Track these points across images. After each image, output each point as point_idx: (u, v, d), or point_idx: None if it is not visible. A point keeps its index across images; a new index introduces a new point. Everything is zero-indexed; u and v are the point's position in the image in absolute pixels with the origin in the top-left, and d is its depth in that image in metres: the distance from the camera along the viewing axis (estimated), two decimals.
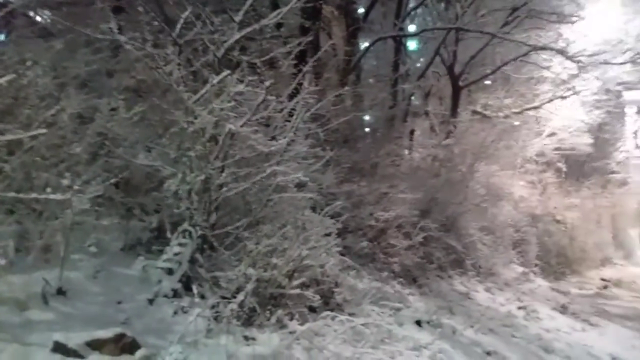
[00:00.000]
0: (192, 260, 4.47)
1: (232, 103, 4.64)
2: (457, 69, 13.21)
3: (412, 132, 12.29)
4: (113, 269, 4.39)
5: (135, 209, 5.14)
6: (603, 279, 14.86)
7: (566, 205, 16.13)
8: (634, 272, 17.88)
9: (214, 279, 4.44)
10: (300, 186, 5.34)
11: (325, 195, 6.40)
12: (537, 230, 13.38)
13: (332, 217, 5.70)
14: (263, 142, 4.99)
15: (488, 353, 5.93)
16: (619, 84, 13.94)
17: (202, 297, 4.25)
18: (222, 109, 4.61)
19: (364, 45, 11.99)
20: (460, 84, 13.42)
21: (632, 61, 12.51)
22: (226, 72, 4.59)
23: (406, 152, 11.32)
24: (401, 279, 7.35)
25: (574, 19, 11.53)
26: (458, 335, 6.10)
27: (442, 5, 11.08)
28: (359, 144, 8.18)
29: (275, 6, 8.10)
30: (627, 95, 17.82)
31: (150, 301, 4.10)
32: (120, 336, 3.36)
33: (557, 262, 14.29)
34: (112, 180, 4.53)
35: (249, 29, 4.98)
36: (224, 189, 4.72)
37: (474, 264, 9.64)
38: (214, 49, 5.00)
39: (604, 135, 19.11)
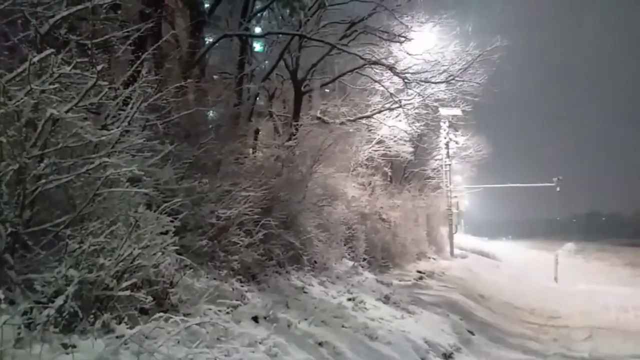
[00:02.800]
0: (0, 262, 3.87)
1: (56, 86, 4.14)
2: (299, 75, 13.76)
3: (257, 131, 12.43)
4: None
5: None
6: (419, 271, 16.85)
7: (390, 206, 17.90)
8: (443, 264, 20.67)
9: (28, 282, 3.91)
10: (134, 181, 5.00)
11: (163, 191, 6.10)
12: (365, 228, 14.58)
13: (169, 214, 5.45)
14: (92, 130, 4.54)
15: (320, 344, 6.25)
16: (436, 100, 15.91)
17: (12, 302, 3.71)
18: (43, 91, 4.09)
19: (210, 40, 11.76)
20: (303, 89, 14.01)
21: (447, 81, 14.42)
22: (49, 50, 4.08)
23: (250, 150, 11.40)
24: (240, 277, 7.36)
25: (402, 39, 12.87)
26: (293, 328, 6.33)
27: (287, 11, 11.41)
28: (202, 139, 7.96)
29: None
30: (442, 111, 20.50)
31: None
32: None
33: (382, 256, 15.77)
34: None
35: (79, 7, 4.49)
36: (42, 180, 4.18)
37: (310, 260, 10.11)
38: (36, 24, 4.40)
39: (422, 145, 21.69)
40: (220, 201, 7.22)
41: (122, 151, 4.84)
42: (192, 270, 6.15)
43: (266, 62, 14.30)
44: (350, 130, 15.50)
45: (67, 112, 4.33)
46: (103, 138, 4.50)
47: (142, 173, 4.81)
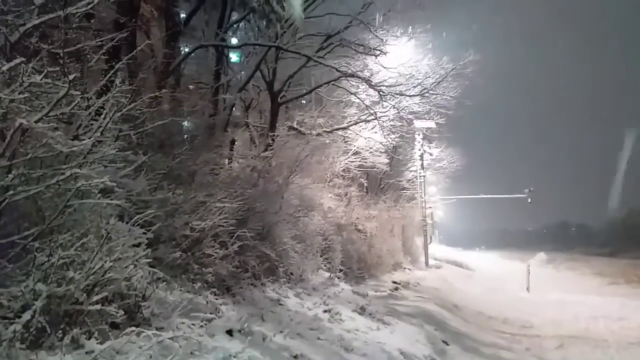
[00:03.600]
0: None
1: (26, 95, 4.05)
2: (276, 86, 13.82)
3: (232, 142, 12.38)
4: None
5: None
6: (394, 282, 16.95)
7: (366, 216, 18.00)
8: (418, 275, 20.85)
9: None
10: (106, 192, 4.90)
11: (136, 202, 6.00)
12: (341, 239, 14.60)
13: (142, 226, 5.37)
14: (63, 141, 4.45)
15: (295, 357, 6.19)
16: (410, 113, 16.15)
17: None
18: (12, 101, 3.99)
19: (185, 50, 11.71)
20: (279, 100, 14.06)
21: (421, 95, 14.66)
22: (19, 59, 3.99)
23: (226, 161, 11.34)
24: (215, 289, 7.26)
25: (378, 52, 13.05)
26: (268, 341, 6.26)
27: (264, 22, 11.46)
28: (177, 150, 7.87)
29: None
30: (417, 124, 20.81)
31: None
32: None
33: (358, 267, 15.80)
34: None
35: (51, 15, 4.42)
36: (10, 192, 4.07)
37: (285, 271, 10.05)
38: (6, 32, 4.31)
39: (397, 157, 21.97)
40: (195, 212, 7.13)
41: (94, 162, 4.75)
42: (165, 283, 6.04)
43: (242, 72, 14.30)
44: (327, 141, 15.59)
45: (37, 121, 4.23)
46: (74, 149, 4.41)
47: (114, 184, 4.73)
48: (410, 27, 14.10)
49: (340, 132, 15.96)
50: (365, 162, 17.68)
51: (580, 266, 39.25)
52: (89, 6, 4.54)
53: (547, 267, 37.22)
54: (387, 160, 19.08)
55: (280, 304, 8.58)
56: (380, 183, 23.44)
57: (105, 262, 4.27)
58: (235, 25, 12.85)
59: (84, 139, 4.81)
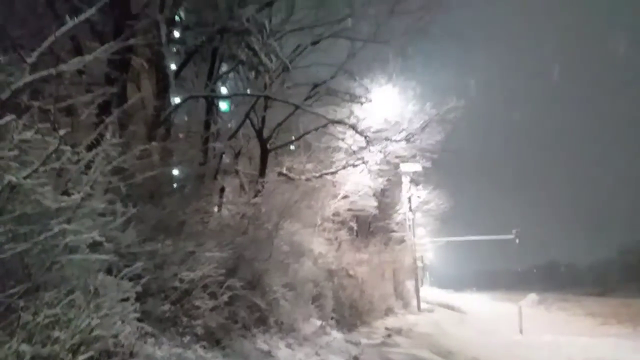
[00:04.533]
0: None
1: (16, 152, 4.07)
2: (265, 133, 14.02)
3: (222, 189, 12.39)
4: None
5: None
6: (387, 328, 16.63)
7: (357, 261, 17.88)
8: (411, 320, 20.53)
9: None
10: (94, 246, 4.85)
11: (125, 255, 5.92)
12: (333, 285, 14.43)
13: (131, 279, 5.28)
14: (52, 196, 4.44)
15: None
16: (397, 157, 16.43)
17: None
18: (1, 158, 4.01)
19: (176, 100, 11.88)
20: (268, 147, 14.23)
21: (406, 140, 14.97)
22: (10, 116, 4.04)
23: (216, 209, 11.31)
24: (204, 342, 7.07)
25: (363, 100, 13.41)
26: None
27: (253, 73, 11.76)
28: (166, 200, 7.86)
29: (78, 50, 7.56)
30: (403, 167, 21.10)
31: None
32: None
33: (350, 314, 15.54)
34: None
35: (43, 73, 4.51)
36: None
37: (276, 321, 9.85)
38: None
39: (386, 200, 22.10)
40: (184, 263, 7.04)
41: (83, 216, 4.72)
42: (153, 337, 5.89)
43: (232, 121, 14.51)
44: (316, 186, 15.68)
45: (25, 178, 4.24)
46: (63, 204, 4.40)
47: (103, 238, 4.69)
48: (394, 75, 14.57)
49: (329, 177, 16.08)
50: (355, 206, 17.76)
51: (572, 307, 38.97)
52: (81, 64, 4.63)
53: (539, 308, 36.93)
54: (375, 203, 19.18)
55: (271, 356, 8.37)
56: (370, 226, 23.47)
57: (92, 319, 4.18)
58: (224, 76, 13.13)
59: (73, 193, 4.81)
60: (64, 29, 4.49)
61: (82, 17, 4.43)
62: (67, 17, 7.89)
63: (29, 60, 4.44)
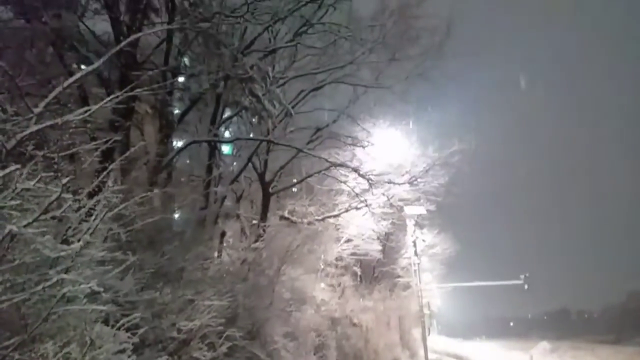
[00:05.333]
0: None
1: (18, 202, 4.07)
2: (267, 177, 14.06)
3: (223, 234, 12.31)
4: None
5: None
6: None
7: (361, 308, 17.49)
8: None
9: None
10: (92, 295, 4.76)
11: (122, 304, 5.81)
12: (336, 334, 14.05)
13: (128, 329, 5.15)
14: (51, 245, 4.40)
15: None
16: (401, 200, 16.34)
17: None
18: (2, 207, 4.00)
19: (178, 144, 11.99)
20: (270, 190, 14.23)
21: (410, 182, 14.96)
22: (14, 166, 4.06)
23: (216, 254, 11.18)
24: None
25: (365, 143, 13.51)
26: None
27: (256, 118, 11.92)
28: (166, 246, 7.78)
29: (83, 97, 7.70)
30: (407, 210, 20.92)
31: None
32: None
33: None
34: None
35: (49, 123, 4.58)
36: None
37: None
38: (2, 140, 4.42)
39: (390, 244, 21.81)
40: (183, 312, 6.89)
41: (82, 265, 4.66)
42: None
43: (234, 164, 14.58)
44: (319, 229, 15.55)
45: (26, 226, 4.21)
46: (63, 253, 4.35)
47: (102, 288, 4.60)
48: (396, 118, 14.75)
49: (331, 220, 15.98)
50: (358, 250, 17.53)
51: (585, 355, 37.66)
52: (86, 114, 4.70)
53: (552, 357, 35.73)
54: (380, 248, 18.95)
55: None
56: (374, 271, 23.07)
57: None
58: (228, 121, 13.30)
59: (72, 241, 4.77)
60: (71, 80, 4.59)
61: (90, 68, 4.55)
62: (75, 66, 8.19)
63: (36, 110, 4.50)
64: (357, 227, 16.71)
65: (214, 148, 12.56)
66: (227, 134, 14.36)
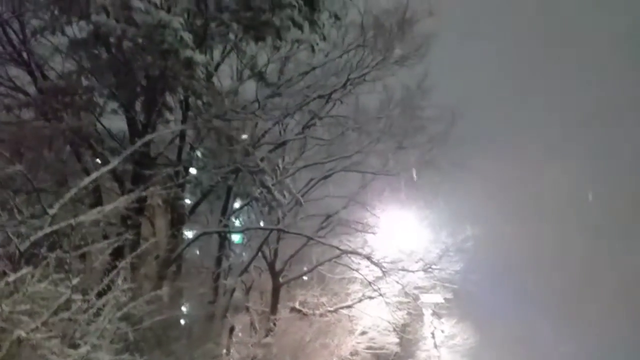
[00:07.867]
0: None
1: (28, 306, 4.00)
2: (277, 266, 13.85)
3: (232, 329, 11.92)
4: None
5: None
6: None
7: None
8: None
9: None
10: None
11: None
12: None
13: None
14: (58, 350, 4.26)
15: None
16: (416, 288, 15.81)
17: None
18: (12, 312, 3.92)
19: (189, 235, 11.98)
20: (281, 280, 13.95)
21: (424, 270, 14.59)
22: (26, 269, 4.04)
23: (224, 352, 10.72)
24: None
25: (376, 230, 13.41)
26: None
27: (266, 208, 12.00)
28: (174, 345, 7.49)
29: (97, 192, 7.80)
30: (424, 298, 20.13)
31: None
32: None
33: None
34: None
35: (63, 224, 4.61)
36: None
37: None
38: (17, 242, 4.44)
39: (407, 336, 20.71)
40: None
41: None
42: None
43: (244, 254, 14.44)
44: (332, 321, 14.97)
45: (33, 331, 4.10)
46: (69, 359, 4.19)
47: None
48: (406, 204, 14.70)
49: (344, 311, 15.41)
50: (374, 343, 16.67)
51: None
52: (100, 214, 4.75)
53: None
54: (397, 340, 18.01)
55: None
56: None
57: None
58: (238, 211, 13.38)
59: (80, 344, 4.61)
60: (87, 180, 4.70)
61: (106, 168, 4.67)
62: (90, 162, 8.40)
63: (51, 211, 4.57)
64: (372, 318, 16.02)
65: (224, 238, 12.54)
66: (237, 223, 14.39)
